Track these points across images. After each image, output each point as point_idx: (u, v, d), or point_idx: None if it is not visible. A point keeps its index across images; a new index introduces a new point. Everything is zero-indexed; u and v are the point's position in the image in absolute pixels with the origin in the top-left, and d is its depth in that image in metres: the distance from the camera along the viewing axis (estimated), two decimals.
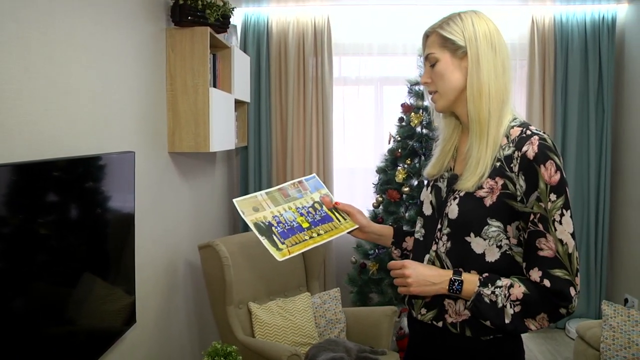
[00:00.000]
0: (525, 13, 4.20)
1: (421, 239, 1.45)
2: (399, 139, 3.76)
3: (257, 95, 4.26)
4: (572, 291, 1.22)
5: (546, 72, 4.19)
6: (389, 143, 3.84)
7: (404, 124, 3.76)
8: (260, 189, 4.29)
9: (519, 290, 1.24)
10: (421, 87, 3.63)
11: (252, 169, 4.31)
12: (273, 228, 1.44)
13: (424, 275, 1.31)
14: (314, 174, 1.69)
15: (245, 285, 3.05)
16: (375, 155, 4.25)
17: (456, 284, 1.28)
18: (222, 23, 2.85)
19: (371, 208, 3.84)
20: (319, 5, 4.19)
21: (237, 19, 4.19)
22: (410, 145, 3.68)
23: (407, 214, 3.71)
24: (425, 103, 3.65)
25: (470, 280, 1.28)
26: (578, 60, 4.15)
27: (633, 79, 4.05)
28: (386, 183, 3.77)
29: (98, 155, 1.81)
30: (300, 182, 1.61)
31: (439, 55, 1.35)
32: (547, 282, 1.22)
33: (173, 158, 2.87)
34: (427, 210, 1.45)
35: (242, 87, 3.56)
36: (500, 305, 1.24)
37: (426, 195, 1.47)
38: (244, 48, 4.22)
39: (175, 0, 2.67)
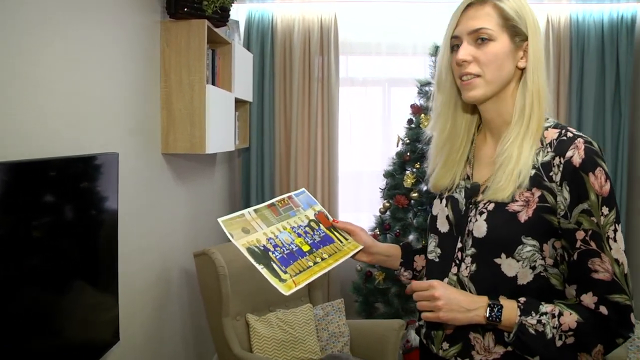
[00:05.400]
0: (540, 12, 4.01)
1: (437, 259, 1.24)
2: (407, 141, 3.60)
3: (260, 95, 4.10)
4: (633, 318, 1.04)
5: (561, 74, 4.01)
6: (397, 146, 3.69)
7: (413, 126, 3.62)
8: (262, 193, 4.14)
9: (570, 318, 1.04)
10: (432, 88, 3.46)
11: (254, 172, 4.15)
12: (270, 254, 1.24)
13: (456, 300, 1.09)
14: (304, 189, 1.46)
15: (243, 296, 2.88)
16: (383, 158, 4.07)
17: (496, 309, 1.07)
18: (221, 16, 2.70)
19: (378, 214, 3.68)
20: (325, 2, 4.04)
21: (240, 15, 4.05)
22: (420, 148, 3.52)
23: (415, 221, 3.55)
24: None
25: (509, 307, 1.08)
26: (594, 62, 3.97)
27: None
28: (394, 188, 3.62)
29: (75, 157, 1.66)
30: (289, 197, 1.40)
31: (497, 35, 1.11)
32: (604, 309, 1.03)
33: (167, 159, 2.71)
34: (443, 226, 1.24)
35: (243, 86, 3.41)
36: (549, 336, 1.05)
37: (441, 209, 1.26)
38: (248, 45, 4.07)
39: None
